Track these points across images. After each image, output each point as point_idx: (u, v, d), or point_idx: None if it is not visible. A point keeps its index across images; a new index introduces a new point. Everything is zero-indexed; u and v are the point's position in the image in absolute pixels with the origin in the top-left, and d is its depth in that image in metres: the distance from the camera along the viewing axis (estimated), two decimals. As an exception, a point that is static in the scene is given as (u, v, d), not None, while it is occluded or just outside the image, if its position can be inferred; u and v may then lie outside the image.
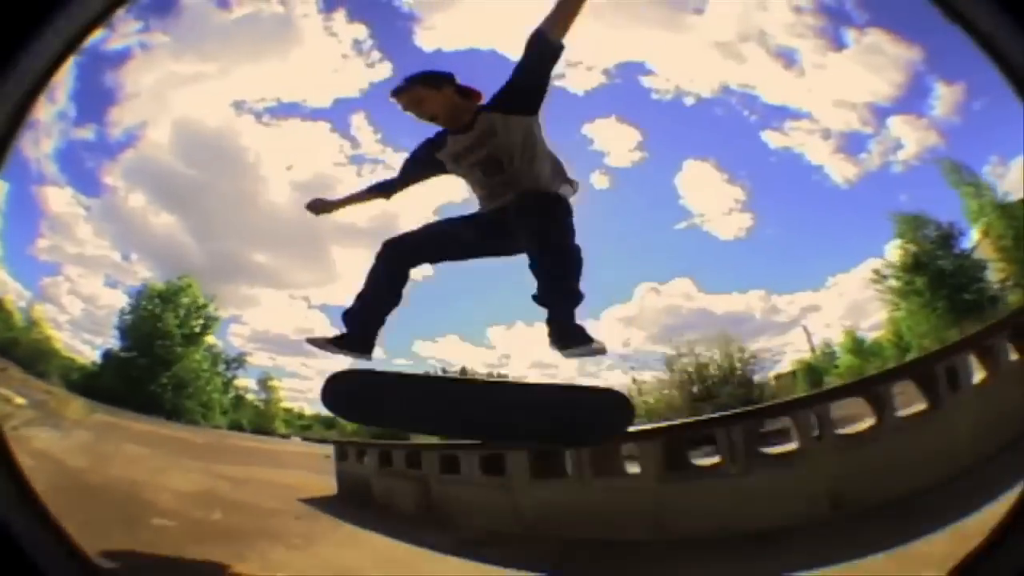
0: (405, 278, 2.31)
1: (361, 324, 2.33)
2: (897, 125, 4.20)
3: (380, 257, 2.27)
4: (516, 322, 4.52)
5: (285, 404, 4.91)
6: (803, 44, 4.26)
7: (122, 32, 3.49)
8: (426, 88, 2.19)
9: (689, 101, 4.42)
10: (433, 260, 2.43)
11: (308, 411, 4.93)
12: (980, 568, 1.03)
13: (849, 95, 4.26)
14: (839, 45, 4.20)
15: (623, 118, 4.44)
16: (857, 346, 4.29)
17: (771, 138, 4.38)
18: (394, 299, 2.32)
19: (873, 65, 4.14)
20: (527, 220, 2.10)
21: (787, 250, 4.53)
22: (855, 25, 4.16)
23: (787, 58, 4.28)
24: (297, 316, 4.70)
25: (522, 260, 2.10)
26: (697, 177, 4.58)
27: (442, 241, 2.32)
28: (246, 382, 4.93)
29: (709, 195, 4.55)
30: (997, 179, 3.83)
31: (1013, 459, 2.27)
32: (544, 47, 2.07)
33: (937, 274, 3.79)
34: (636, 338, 4.70)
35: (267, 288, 4.66)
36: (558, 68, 4.03)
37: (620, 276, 4.46)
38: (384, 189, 2.47)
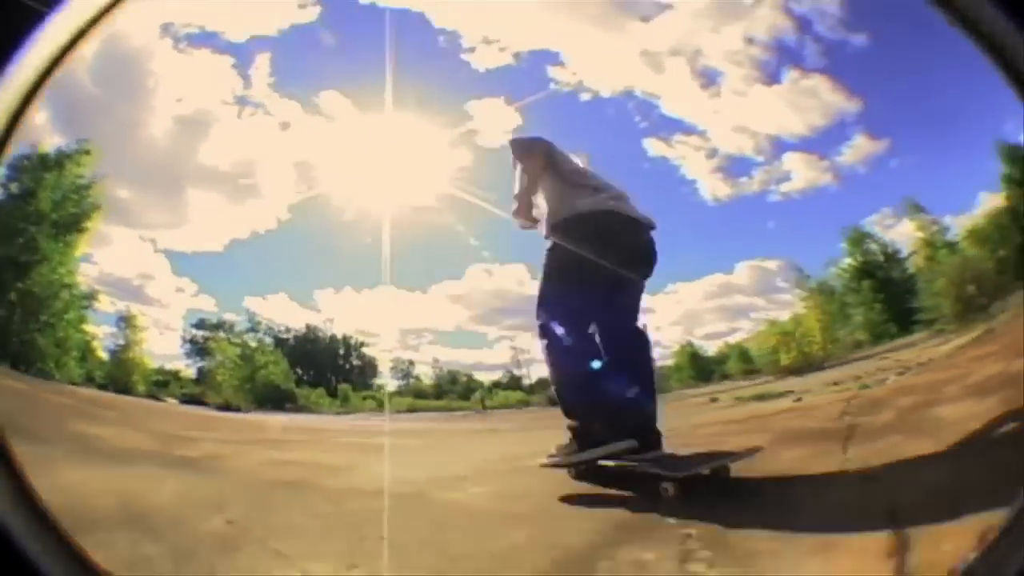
0: None
1: None
2: (792, 159, 4.34)
3: None
4: (345, 287, 4.53)
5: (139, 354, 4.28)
6: (733, 71, 4.32)
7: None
8: None
9: (585, 97, 4.36)
10: None
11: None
12: (980, 568, 1.05)
13: (755, 124, 4.35)
14: (772, 80, 4.28)
15: (511, 100, 4.34)
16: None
17: (652, 145, 4.44)
18: None
19: (799, 105, 4.24)
20: None
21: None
22: (802, 67, 4.21)
23: (708, 78, 4.35)
24: (141, 259, 4.30)
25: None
26: None
27: None
28: (94, 328, 4.15)
29: None
30: (882, 230, 4.17)
31: None
32: None
33: (884, 281, 4.09)
34: (461, 316, 4.80)
35: (121, 226, 4.35)
36: (470, 42, 4.14)
37: (456, 254, 4.46)
38: None
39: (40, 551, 1.11)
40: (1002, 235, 3.36)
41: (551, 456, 2.34)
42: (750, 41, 4.23)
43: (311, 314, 4.94)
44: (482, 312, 4.79)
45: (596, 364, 2.31)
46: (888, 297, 4.10)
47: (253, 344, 4.87)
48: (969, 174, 3.55)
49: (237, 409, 4.54)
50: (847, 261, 4.27)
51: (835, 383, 3.49)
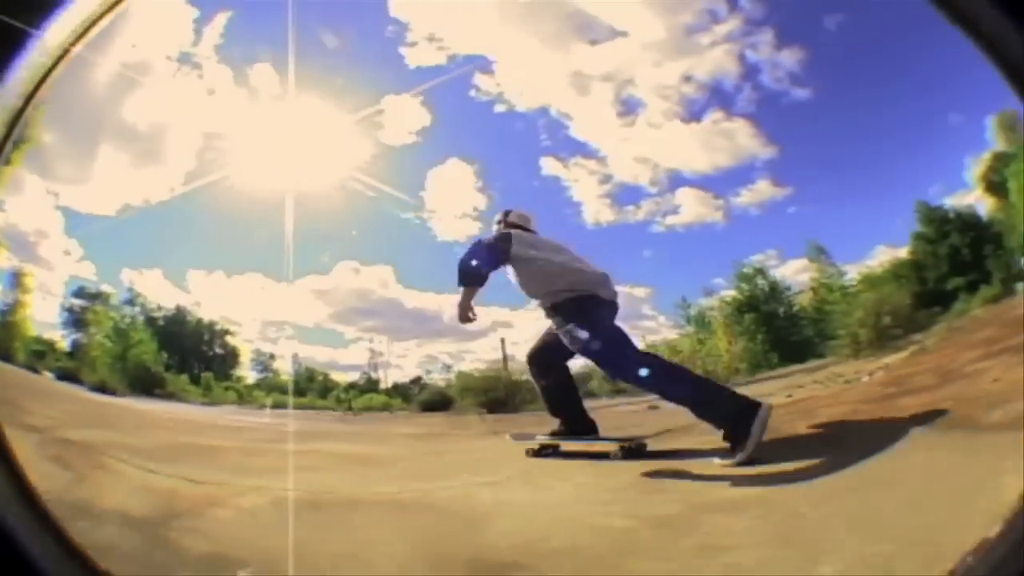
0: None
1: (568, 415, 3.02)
2: (685, 194, 4.36)
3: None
4: (217, 270, 4.36)
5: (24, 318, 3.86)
6: (657, 103, 4.30)
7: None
8: None
9: (500, 108, 4.31)
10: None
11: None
12: (980, 568, 1.07)
13: (659, 157, 4.37)
14: (692, 118, 4.27)
15: (427, 103, 4.26)
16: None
17: (548, 164, 4.45)
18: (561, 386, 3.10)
19: (711, 144, 4.23)
20: None
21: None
22: (728, 110, 4.22)
23: (628, 107, 4.34)
24: (43, 213, 3.90)
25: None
26: (453, 176, 4.44)
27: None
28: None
29: (453, 195, 4.45)
30: (770, 269, 4.39)
31: None
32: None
33: (767, 315, 4.34)
34: (321, 312, 4.66)
35: (34, 174, 3.94)
36: (415, 36, 4.08)
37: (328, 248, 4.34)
38: None
39: (40, 551, 1.08)
40: (900, 285, 3.78)
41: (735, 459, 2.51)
42: (687, 79, 4.24)
43: (181, 294, 4.60)
44: (342, 311, 4.67)
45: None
46: (770, 330, 4.35)
47: (127, 320, 4.50)
48: (870, 228, 3.84)
49: (112, 392, 4.15)
50: (731, 294, 4.44)
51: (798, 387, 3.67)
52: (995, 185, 3.38)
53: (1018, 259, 3.37)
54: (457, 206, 4.41)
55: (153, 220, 3.97)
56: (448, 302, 4.35)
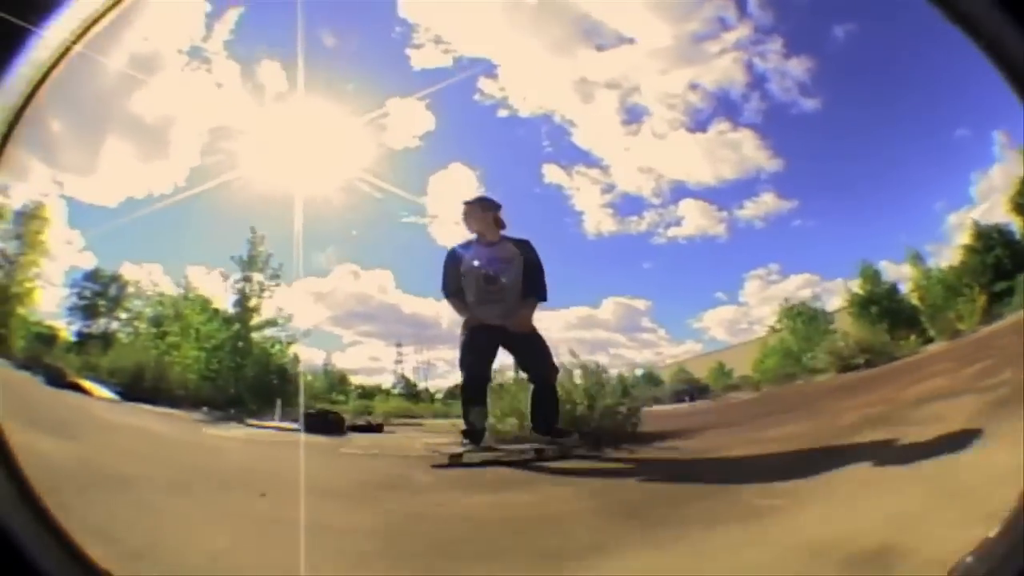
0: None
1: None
2: (688, 206, 4.39)
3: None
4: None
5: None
6: (662, 112, 4.33)
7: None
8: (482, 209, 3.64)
9: (502, 113, 4.33)
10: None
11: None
12: (980, 568, 1.06)
13: (663, 168, 4.38)
14: (698, 128, 4.31)
15: (431, 106, 4.24)
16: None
17: (549, 171, 4.47)
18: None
19: (716, 156, 4.25)
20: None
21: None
22: (734, 120, 4.25)
23: (633, 115, 4.36)
24: (47, 200, 3.87)
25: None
26: (454, 181, 4.44)
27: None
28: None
29: (454, 201, 4.33)
30: (763, 285, 4.33)
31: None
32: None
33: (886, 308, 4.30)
34: (320, 315, 4.70)
35: (42, 163, 3.98)
36: (422, 39, 4.24)
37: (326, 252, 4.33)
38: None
39: (40, 551, 1.10)
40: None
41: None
42: (693, 87, 4.23)
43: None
44: (340, 314, 4.71)
45: None
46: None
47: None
48: (869, 244, 4.00)
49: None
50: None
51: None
52: (1021, 207, 3.57)
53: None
54: (457, 212, 4.30)
55: (158, 213, 3.81)
56: (446, 308, 4.58)
